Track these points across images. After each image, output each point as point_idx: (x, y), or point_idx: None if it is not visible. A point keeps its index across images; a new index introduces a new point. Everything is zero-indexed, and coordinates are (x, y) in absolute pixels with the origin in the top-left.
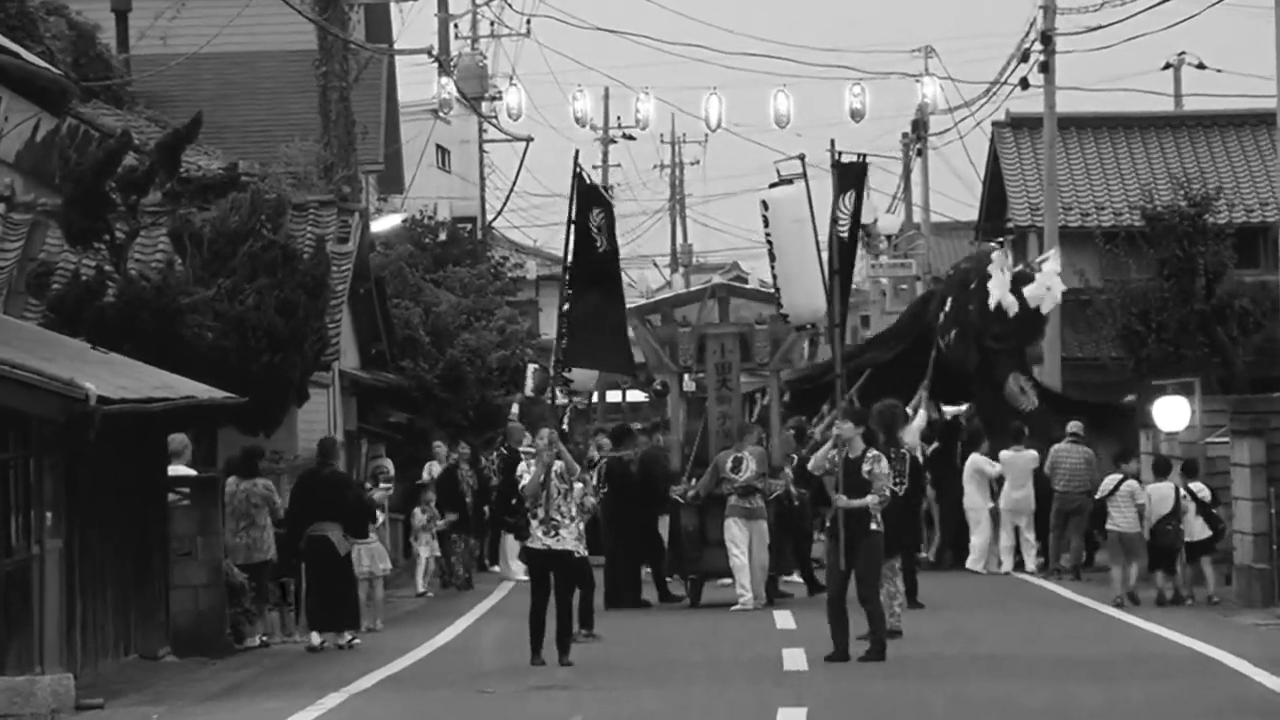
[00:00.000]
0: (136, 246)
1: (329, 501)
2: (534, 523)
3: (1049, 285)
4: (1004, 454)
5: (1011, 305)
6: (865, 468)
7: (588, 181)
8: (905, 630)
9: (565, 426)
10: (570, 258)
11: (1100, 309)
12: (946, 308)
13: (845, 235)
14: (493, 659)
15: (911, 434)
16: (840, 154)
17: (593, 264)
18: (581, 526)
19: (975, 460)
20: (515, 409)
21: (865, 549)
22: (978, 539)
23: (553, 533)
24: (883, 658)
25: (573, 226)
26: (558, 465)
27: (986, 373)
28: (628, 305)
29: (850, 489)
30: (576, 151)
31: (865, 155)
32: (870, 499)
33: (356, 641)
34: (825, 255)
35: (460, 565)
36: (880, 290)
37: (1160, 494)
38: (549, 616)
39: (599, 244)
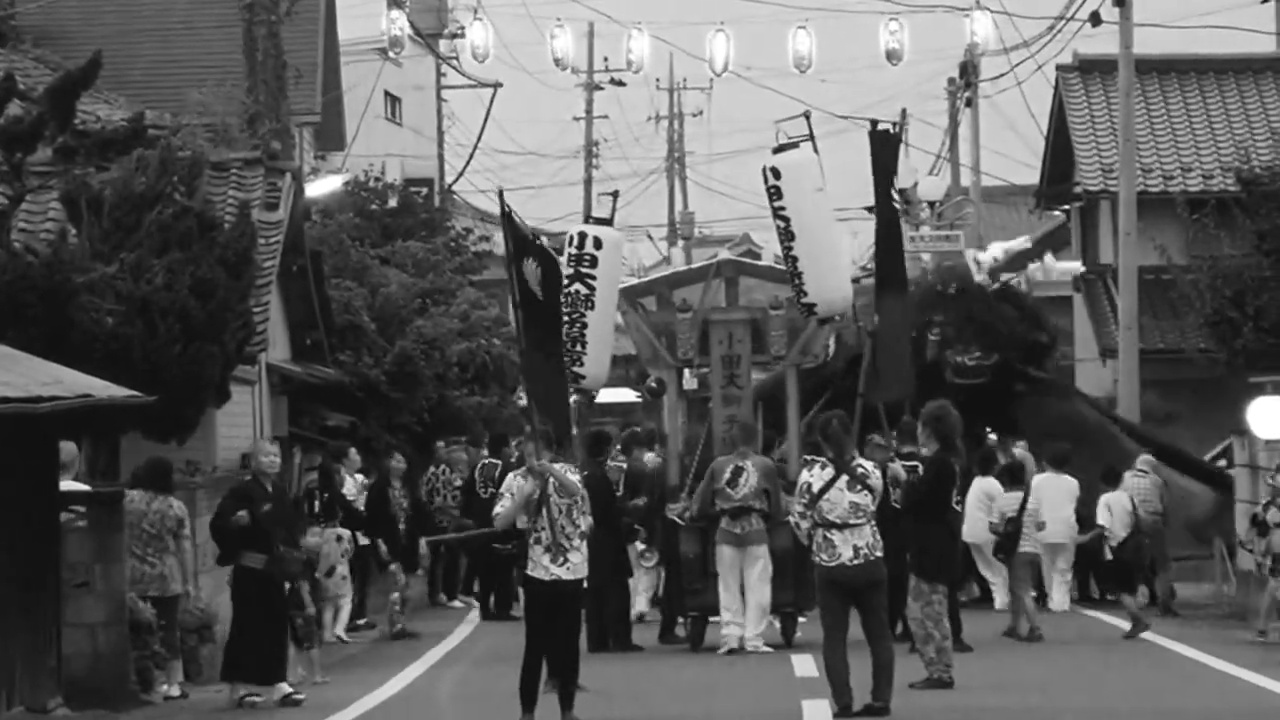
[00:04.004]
0: (21, 213)
1: None
2: (537, 549)
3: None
4: (1039, 477)
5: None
6: None
7: (520, 227)
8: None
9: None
10: (519, 297)
11: (1186, 291)
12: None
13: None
14: (455, 717)
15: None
16: (875, 123)
17: (536, 314)
18: (585, 550)
19: (983, 485)
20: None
21: None
22: (999, 576)
23: (562, 559)
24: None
25: (512, 268)
26: (553, 481)
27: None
28: (618, 287)
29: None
30: (500, 192)
31: (897, 125)
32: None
33: (254, 699)
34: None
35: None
36: (921, 267)
37: (1120, 506)
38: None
39: (538, 294)
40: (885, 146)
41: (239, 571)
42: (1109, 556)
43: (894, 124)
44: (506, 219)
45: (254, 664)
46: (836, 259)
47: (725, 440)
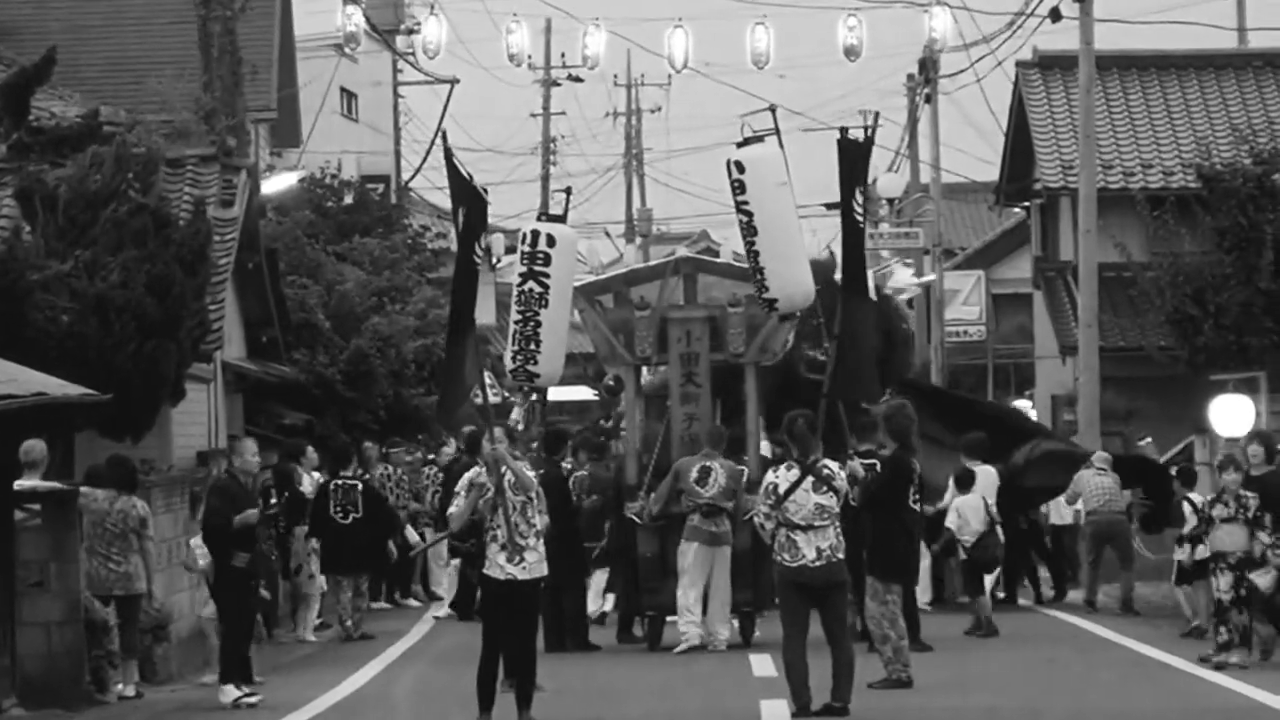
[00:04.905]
0: None
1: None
2: (494, 547)
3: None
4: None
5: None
6: None
7: (458, 171)
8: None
9: (520, 425)
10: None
11: (1146, 289)
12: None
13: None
14: (410, 718)
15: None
16: (845, 130)
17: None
18: (543, 549)
19: None
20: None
21: None
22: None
23: (518, 558)
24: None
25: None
26: (509, 477)
27: None
28: (573, 285)
29: None
30: (444, 134)
31: (871, 128)
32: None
33: (248, 700)
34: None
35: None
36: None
37: (972, 508)
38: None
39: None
40: (855, 154)
41: (231, 571)
42: (962, 557)
43: (866, 129)
44: (449, 163)
45: (246, 663)
46: (799, 255)
47: (684, 439)
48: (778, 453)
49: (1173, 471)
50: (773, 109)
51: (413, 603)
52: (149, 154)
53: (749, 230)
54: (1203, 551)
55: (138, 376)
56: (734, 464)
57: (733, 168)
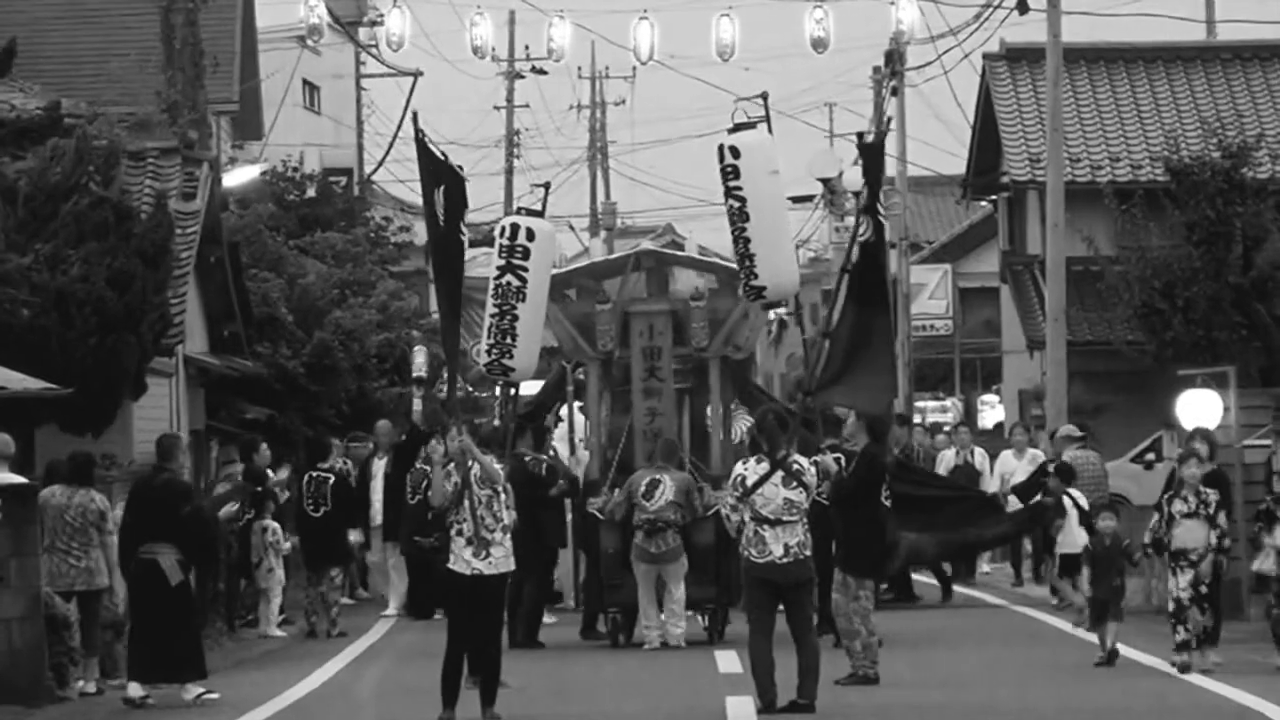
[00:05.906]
0: None
1: (160, 517)
2: (459, 540)
3: None
4: None
5: None
6: None
7: (432, 152)
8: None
9: (495, 422)
10: (430, 235)
11: (1114, 283)
12: None
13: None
14: (373, 714)
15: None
16: (862, 135)
17: (441, 246)
18: (510, 544)
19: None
20: (417, 404)
21: None
22: None
23: (483, 553)
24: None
25: (430, 204)
26: (475, 469)
27: None
28: (549, 279)
29: None
30: (415, 114)
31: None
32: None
33: (211, 696)
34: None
35: (327, 606)
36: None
37: None
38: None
39: (440, 220)
40: (874, 158)
41: (148, 565)
42: None
43: (878, 134)
44: (420, 145)
45: (150, 660)
46: (787, 243)
47: (645, 434)
48: None
49: (1050, 469)
50: (764, 95)
51: (363, 593)
52: (110, 147)
53: (740, 216)
54: (1067, 545)
55: (98, 371)
56: (687, 477)
57: (726, 153)
